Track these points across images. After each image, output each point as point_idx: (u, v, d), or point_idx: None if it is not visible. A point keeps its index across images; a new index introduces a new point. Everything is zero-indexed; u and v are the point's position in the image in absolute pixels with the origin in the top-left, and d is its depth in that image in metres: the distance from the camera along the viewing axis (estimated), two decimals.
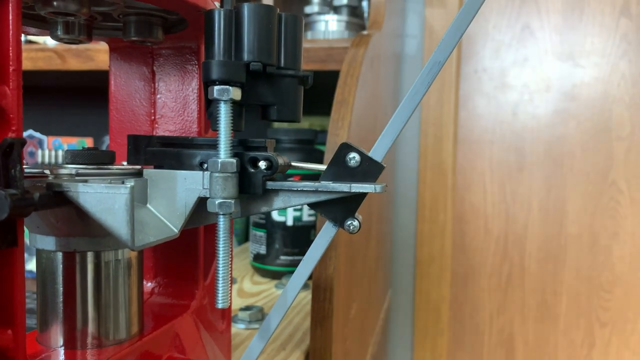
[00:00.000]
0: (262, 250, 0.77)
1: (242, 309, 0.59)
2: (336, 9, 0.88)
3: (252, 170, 0.30)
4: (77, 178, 0.28)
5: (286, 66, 0.31)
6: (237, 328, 0.57)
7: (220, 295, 0.29)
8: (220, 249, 0.29)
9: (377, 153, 0.30)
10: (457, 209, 1.14)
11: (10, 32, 0.22)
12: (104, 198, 0.26)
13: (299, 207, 0.76)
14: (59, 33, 0.34)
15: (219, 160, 0.28)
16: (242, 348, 0.52)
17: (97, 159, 0.30)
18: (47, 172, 0.29)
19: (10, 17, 0.22)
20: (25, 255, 0.60)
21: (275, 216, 0.76)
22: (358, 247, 0.64)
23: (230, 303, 0.45)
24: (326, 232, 0.31)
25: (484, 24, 1.11)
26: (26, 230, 0.26)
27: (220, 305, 0.29)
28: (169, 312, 0.38)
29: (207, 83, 0.29)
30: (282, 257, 0.77)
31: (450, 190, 1.12)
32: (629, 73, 1.05)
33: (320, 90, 0.80)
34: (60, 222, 0.29)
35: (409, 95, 0.29)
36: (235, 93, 0.29)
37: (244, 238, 1.04)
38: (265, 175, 0.30)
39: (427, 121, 1.12)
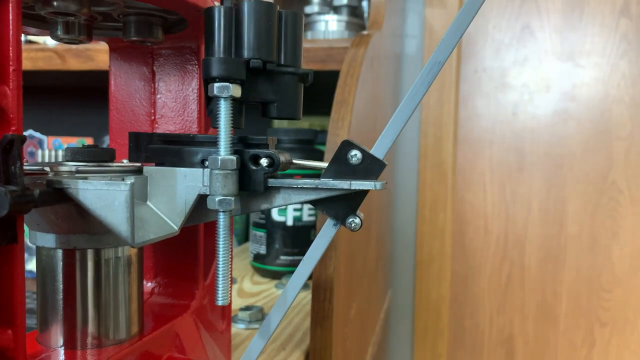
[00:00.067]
0: (262, 250, 0.77)
1: (242, 309, 0.59)
2: (336, 9, 0.88)
3: (254, 168, 0.30)
4: (77, 175, 0.28)
5: (286, 63, 0.31)
6: (237, 328, 0.57)
7: (220, 292, 0.29)
8: (220, 246, 0.29)
9: (377, 153, 0.30)
10: (457, 209, 1.14)
11: (10, 32, 0.22)
12: (104, 195, 0.26)
13: (299, 207, 0.76)
14: (59, 33, 0.34)
15: (219, 158, 0.28)
16: (242, 348, 0.52)
17: (97, 157, 0.30)
18: (47, 169, 0.29)
19: (10, 17, 0.22)
20: (25, 255, 0.60)
21: (275, 216, 0.76)
22: (358, 247, 0.64)
23: (230, 302, 0.45)
24: (326, 232, 0.31)
25: (484, 24, 1.11)
26: (26, 231, 0.26)
27: (220, 303, 0.29)
28: (169, 312, 0.38)
29: (207, 80, 0.29)
30: (282, 257, 0.77)
31: (450, 190, 1.12)
32: (629, 73, 1.05)
33: (320, 90, 0.80)
34: (60, 220, 0.29)
35: (409, 95, 0.29)
36: (235, 90, 0.29)
37: (244, 238, 1.04)
38: (267, 173, 0.30)
39: (427, 121, 1.12)
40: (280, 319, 0.32)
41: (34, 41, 0.90)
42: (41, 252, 0.31)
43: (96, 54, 0.85)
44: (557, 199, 1.10)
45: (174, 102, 0.39)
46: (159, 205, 0.30)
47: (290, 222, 0.76)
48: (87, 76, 0.98)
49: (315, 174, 0.31)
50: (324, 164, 0.31)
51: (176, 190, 0.30)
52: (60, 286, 0.30)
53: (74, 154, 0.30)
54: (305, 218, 0.77)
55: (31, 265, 0.80)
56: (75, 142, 0.99)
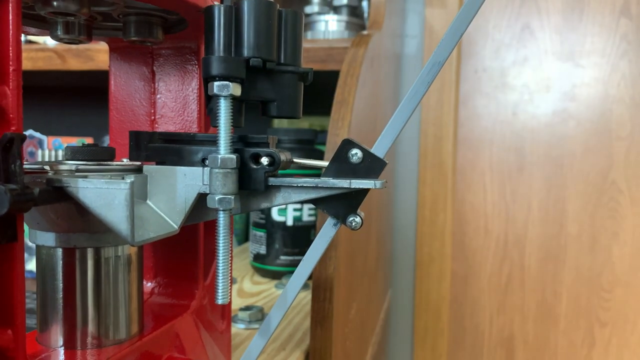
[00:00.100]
0: (262, 250, 0.77)
1: (242, 309, 0.59)
2: (336, 9, 0.88)
3: (254, 167, 0.30)
4: (77, 174, 0.28)
5: (286, 62, 0.31)
6: (237, 328, 0.57)
7: (220, 291, 0.29)
8: (220, 245, 0.29)
9: (377, 152, 0.30)
10: (457, 209, 1.14)
11: (10, 32, 0.22)
12: (103, 193, 0.26)
13: (299, 207, 0.76)
14: (59, 33, 0.34)
15: (219, 156, 0.28)
16: (242, 348, 0.52)
17: (96, 156, 0.30)
18: (47, 168, 0.29)
19: (10, 17, 0.22)
20: (25, 255, 0.60)
21: (275, 216, 0.76)
22: (358, 246, 0.64)
23: (230, 302, 0.45)
24: (326, 232, 0.31)
25: (484, 24, 1.11)
26: (26, 230, 0.26)
27: (220, 301, 0.29)
28: (169, 312, 0.38)
29: (207, 79, 0.29)
30: (282, 257, 0.77)
31: (450, 190, 1.12)
32: (629, 73, 1.05)
33: (320, 90, 0.80)
34: (60, 218, 0.29)
35: (408, 95, 0.29)
36: (235, 89, 0.29)
37: (244, 238, 1.04)
38: (268, 172, 0.30)
39: (427, 121, 1.12)
40: (280, 319, 0.32)
41: (34, 41, 0.90)
42: (41, 251, 0.31)
43: (96, 54, 0.85)
44: (557, 199, 1.10)
45: (174, 102, 0.39)
46: (158, 204, 0.30)
47: (290, 222, 0.76)
48: (87, 76, 0.98)
49: (316, 174, 0.31)
50: (325, 163, 0.31)
51: (176, 189, 0.30)
52: (60, 285, 0.30)
53: (73, 153, 0.30)
54: (305, 218, 0.77)
55: (31, 265, 0.80)
56: (75, 142, 0.99)
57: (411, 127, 1.12)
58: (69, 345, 0.31)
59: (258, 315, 0.58)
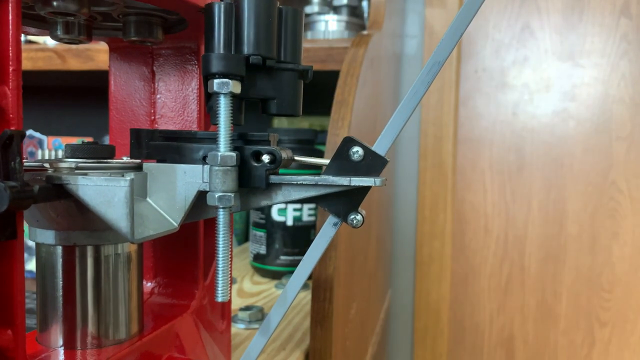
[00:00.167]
0: (262, 250, 0.77)
1: (242, 309, 0.59)
2: (336, 9, 0.88)
3: (255, 164, 0.30)
4: (76, 171, 0.28)
5: (286, 60, 0.31)
6: (237, 328, 0.57)
7: (220, 289, 0.29)
8: (220, 243, 0.29)
9: (378, 152, 0.30)
10: (457, 209, 1.14)
11: (10, 32, 0.22)
12: (103, 191, 0.26)
13: (299, 207, 0.76)
14: (59, 33, 0.34)
15: (219, 154, 0.28)
16: (242, 348, 0.52)
17: (96, 153, 0.30)
18: (47, 165, 0.29)
19: (10, 17, 0.22)
20: (25, 255, 0.60)
21: (275, 216, 0.76)
22: (358, 246, 0.64)
23: (230, 302, 0.45)
24: (326, 232, 0.31)
25: (484, 24, 1.11)
26: (26, 231, 0.26)
27: (220, 299, 0.29)
28: (169, 312, 0.38)
29: (206, 76, 0.29)
30: (282, 257, 0.77)
31: (450, 190, 1.12)
32: (629, 73, 1.05)
33: (320, 90, 0.80)
34: (60, 216, 0.29)
35: (408, 95, 0.29)
36: (235, 86, 0.29)
37: (244, 238, 1.04)
38: (269, 169, 0.30)
39: (427, 121, 1.12)
40: (280, 319, 0.32)
41: (34, 41, 0.90)
42: (41, 248, 0.31)
43: (96, 54, 0.85)
44: (557, 199, 1.10)
45: (173, 102, 0.39)
46: (158, 202, 0.30)
47: (290, 222, 0.76)
48: (87, 76, 0.98)
49: (317, 173, 0.31)
50: (326, 161, 0.31)
51: (176, 187, 0.30)
52: (60, 283, 0.30)
53: (73, 151, 0.30)
54: (305, 218, 0.77)
55: (31, 265, 0.80)
56: (75, 142, 0.99)
57: (411, 127, 1.12)
58: (69, 345, 0.31)
59: (258, 315, 0.58)
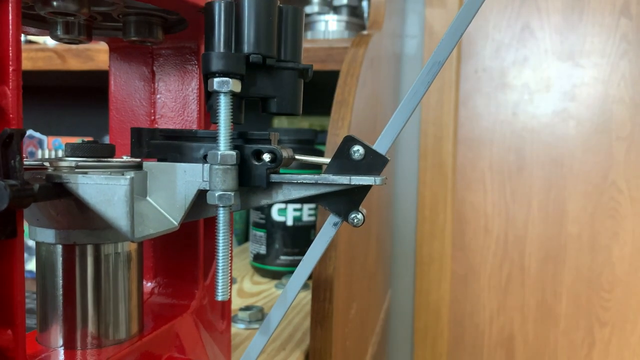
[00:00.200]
0: (262, 250, 0.77)
1: (242, 309, 0.59)
2: (336, 9, 0.88)
3: (256, 163, 0.30)
4: (76, 170, 0.28)
5: (286, 59, 0.31)
6: (237, 328, 0.57)
7: (220, 287, 0.29)
8: (220, 241, 0.29)
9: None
10: (457, 209, 1.14)
11: (10, 32, 0.22)
12: (103, 189, 0.26)
13: (299, 207, 0.76)
14: (59, 33, 0.34)
15: (219, 153, 0.28)
16: (242, 348, 0.52)
17: (96, 152, 0.30)
18: (47, 164, 0.29)
19: (10, 17, 0.22)
20: (25, 255, 0.60)
21: (275, 216, 0.76)
22: (358, 247, 0.64)
23: (230, 302, 0.45)
24: (326, 232, 0.31)
25: (484, 24, 1.11)
26: (26, 231, 0.26)
27: (220, 298, 0.29)
28: (169, 312, 0.38)
29: (207, 75, 0.29)
30: (282, 257, 0.77)
31: (450, 190, 1.12)
32: (629, 73, 1.05)
33: (320, 90, 0.80)
34: (60, 215, 0.29)
35: (408, 95, 0.29)
36: (235, 85, 0.29)
37: (244, 238, 1.04)
38: (270, 168, 0.30)
39: (427, 121, 1.12)
40: (280, 318, 0.32)
41: (34, 41, 0.90)
42: (41, 247, 0.31)
43: (96, 54, 0.85)
44: (557, 199, 1.10)
45: (173, 102, 0.39)
46: (158, 201, 0.30)
47: (290, 222, 0.76)
48: (87, 76, 0.98)
49: (317, 174, 0.31)
50: (326, 160, 0.31)
51: (176, 186, 0.30)
52: (60, 282, 0.30)
53: (73, 150, 0.30)
54: (305, 218, 0.77)
55: (31, 265, 0.80)
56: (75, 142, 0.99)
57: (411, 127, 1.12)
58: (69, 345, 0.31)
59: (258, 315, 0.58)
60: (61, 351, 0.30)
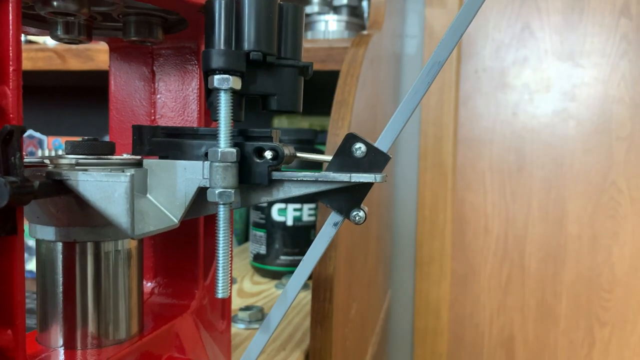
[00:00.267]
0: (262, 250, 0.77)
1: (242, 309, 0.59)
2: (336, 9, 0.88)
3: (258, 161, 0.30)
4: (77, 167, 0.28)
5: (286, 56, 0.31)
6: (237, 328, 0.57)
7: (220, 285, 0.29)
8: (220, 239, 0.29)
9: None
10: (457, 209, 1.14)
11: (10, 32, 0.22)
12: (103, 186, 0.26)
13: (299, 207, 0.76)
14: (59, 33, 0.34)
15: (219, 150, 0.28)
16: (242, 348, 0.52)
17: (96, 150, 0.30)
18: (47, 161, 0.29)
19: (10, 17, 0.22)
20: (25, 255, 0.60)
21: (275, 216, 0.76)
22: (358, 247, 0.64)
23: (230, 302, 0.45)
24: (326, 232, 0.31)
25: (484, 24, 1.11)
26: (26, 231, 0.26)
27: (220, 295, 0.29)
28: (169, 312, 0.38)
29: (207, 72, 0.29)
30: (282, 257, 0.77)
31: (450, 190, 1.12)
32: (629, 73, 1.05)
33: (320, 90, 0.80)
34: (60, 212, 0.29)
35: (409, 95, 0.29)
36: (235, 82, 0.29)
37: (244, 238, 1.04)
38: (271, 166, 0.30)
39: (427, 121, 1.12)
40: (280, 318, 0.32)
41: (34, 41, 0.90)
42: (41, 245, 0.31)
43: (96, 54, 0.85)
44: (557, 199, 1.10)
45: (173, 102, 0.39)
46: (159, 198, 0.30)
47: (290, 222, 0.76)
48: (87, 76, 0.98)
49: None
50: (328, 158, 0.31)
51: (176, 183, 0.30)
52: (60, 279, 0.30)
53: (73, 147, 0.30)
54: (305, 218, 0.77)
55: (31, 265, 0.80)
56: None
57: (411, 127, 1.12)
58: (69, 345, 0.31)
59: (258, 315, 0.58)
60: (61, 351, 0.30)
